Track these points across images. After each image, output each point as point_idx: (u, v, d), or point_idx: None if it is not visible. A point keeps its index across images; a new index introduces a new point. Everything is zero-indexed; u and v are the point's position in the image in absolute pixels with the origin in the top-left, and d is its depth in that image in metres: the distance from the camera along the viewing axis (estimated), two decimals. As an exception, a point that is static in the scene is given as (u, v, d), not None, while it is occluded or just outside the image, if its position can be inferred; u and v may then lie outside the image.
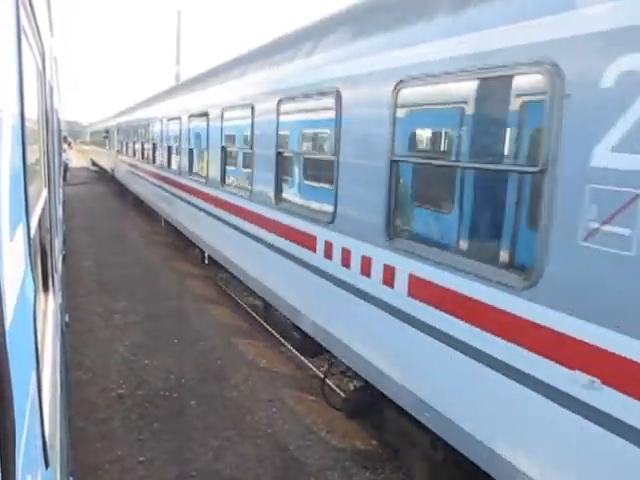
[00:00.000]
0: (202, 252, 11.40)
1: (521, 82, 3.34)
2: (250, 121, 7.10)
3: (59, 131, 12.28)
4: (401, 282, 4.15)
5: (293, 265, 5.95)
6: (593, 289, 2.71)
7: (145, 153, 16.91)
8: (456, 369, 3.65)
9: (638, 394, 2.50)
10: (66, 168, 27.55)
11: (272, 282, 6.71)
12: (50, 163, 3.85)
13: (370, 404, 5.26)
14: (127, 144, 21.51)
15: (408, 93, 4.09)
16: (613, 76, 2.56)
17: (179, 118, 11.66)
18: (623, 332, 2.55)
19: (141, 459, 5.01)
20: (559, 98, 2.81)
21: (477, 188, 4.48)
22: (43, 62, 3.13)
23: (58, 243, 5.50)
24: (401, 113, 4.18)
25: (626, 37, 2.51)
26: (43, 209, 2.76)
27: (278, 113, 6.22)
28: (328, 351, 5.50)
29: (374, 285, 4.49)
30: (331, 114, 5.03)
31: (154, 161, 15.12)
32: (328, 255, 5.20)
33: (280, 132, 6.33)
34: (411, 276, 4.05)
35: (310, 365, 7.21)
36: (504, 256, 3.96)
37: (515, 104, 3.63)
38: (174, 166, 12.61)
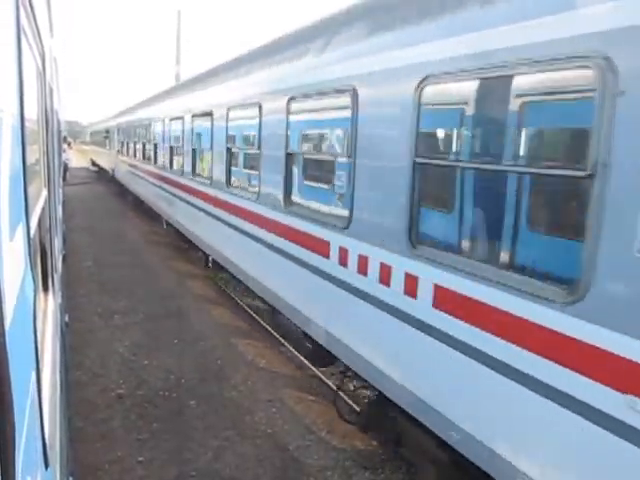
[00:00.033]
0: (205, 255, 11.25)
1: (567, 77, 3.03)
2: (258, 120, 6.78)
3: (59, 131, 12.28)
4: (425, 293, 3.88)
5: (304, 271, 5.69)
6: None
7: (146, 153, 16.77)
8: (486, 387, 3.35)
9: None
10: (66, 168, 27.55)
11: (281, 288, 6.45)
12: (50, 163, 3.85)
13: (385, 417, 4.96)
14: (128, 144, 21.38)
15: (434, 90, 3.81)
16: None
17: (182, 118, 11.37)
18: None
19: (140, 459, 5.01)
20: (611, 96, 2.55)
21: (510, 193, 4.13)
22: (43, 62, 3.13)
23: (58, 243, 5.49)
24: (426, 111, 3.89)
25: None
26: (43, 209, 2.76)
27: (288, 112, 5.95)
28: (339, 360, 5.29)
29: (394, 295, 4.23)
30: (346, 113, 4.79)
31: (155, 162, 14.98)
32: (343, 262, 4.94)
33: (290, 132, 6.04)
34: (436, 287, 3.78)
35: (320, 375, 6.92)
36: (544, 268, 3.62)
37: (558, 102, 3.37)
38: (176, 167, 12.39)
